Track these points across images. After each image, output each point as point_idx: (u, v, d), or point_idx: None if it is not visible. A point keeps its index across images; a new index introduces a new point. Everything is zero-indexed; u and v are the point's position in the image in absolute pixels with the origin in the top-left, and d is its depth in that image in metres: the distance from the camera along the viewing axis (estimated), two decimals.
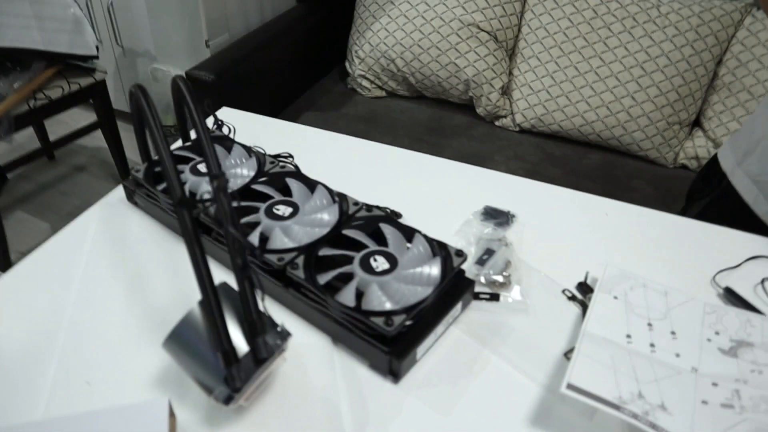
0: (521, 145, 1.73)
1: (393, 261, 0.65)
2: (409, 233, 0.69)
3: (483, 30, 1.72)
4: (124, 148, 2.03)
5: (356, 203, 0.74)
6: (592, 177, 1.62)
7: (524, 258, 0.75)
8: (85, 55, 1.80)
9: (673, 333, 0.63)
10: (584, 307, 0.68)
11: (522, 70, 1.73)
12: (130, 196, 0.83)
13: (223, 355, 0.51)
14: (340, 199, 0.74)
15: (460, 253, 0.66)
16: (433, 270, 0.64)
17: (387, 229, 0.69)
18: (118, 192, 0.86)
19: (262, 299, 0.54)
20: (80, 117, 2.15)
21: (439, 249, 0.67)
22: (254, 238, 0.69)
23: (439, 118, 1.83)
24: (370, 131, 1.78)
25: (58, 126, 2.35)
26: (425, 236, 0.68)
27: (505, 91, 1.77)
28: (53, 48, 1.71)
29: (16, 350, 0.65)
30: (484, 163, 1.64)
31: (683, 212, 0.96)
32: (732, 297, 0.70)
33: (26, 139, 2.36)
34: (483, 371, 0.62)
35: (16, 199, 2.18)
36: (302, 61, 1.94)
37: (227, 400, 0.52)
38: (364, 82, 1.90)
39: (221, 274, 0.68)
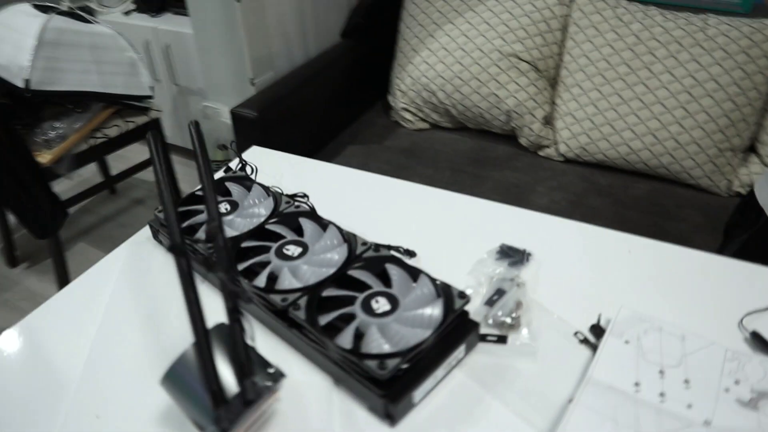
0: (565, 175, 1.70)
1: (394, 302, 0.65)
2: (414, 274, 0.69)
3: (523, 60, 1.70)
4: (177, 182, 2.12)
5: (365, 243, 0.74)
6: (638, 207, 1.57)
7: (537, 298, 0.73)
8: (140, 95, 1.90)
9: (686, 381, 0.60)
10: (595, 350, 0.66)
11: (564, 99, 1.70)
12: (155, 235, 0.87)
13: (211, 396, 0.53)
14: (348, 239, 0.75)
15: (462, 295, 0.65)
16: (434, 312, 0.64)
17: (392, 270, 0.69)
18: (146, 230, 0.90)
19: (252, 340, 0.54)
20: (141, 152, 2.26)
21: (442, 290, 0.66)
22: (263, 278, 0.70)
23: (482, 149, 1.82)
24: (411, 163, 1.79)
25: (120, 161, 2.48)
26: (430, 277, 0.68)
27: (548, 121, 1.75)
28: (110, 90, 1.82)
29: (38, 379, 0.69)
30: (526, 195, 1.63)
31: (721, 249, 0.92)
32: (759, 342, 0.66)
33: (91, 174, 2.49)
34: (483, 417, 0.61)
35: (80, 230, 2.30)
36: (346, 96, 1.98)
37: None
38: (407, 115, 1.92)
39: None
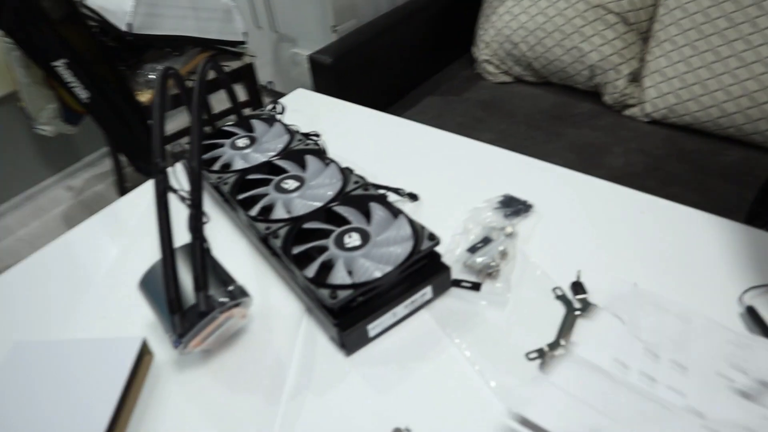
0: (648, 137, 1.59)
1: (366, 238, 0.66)
2: (396, 213, 0.70)
3: (611, 11, 1.60)
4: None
5: (356, 181, 0.76)
6: (726, 176, 1.44)
7: (527, 251, 0.72)
8: (233, 40, 1.99)
9: (682, 367, 0.56)
10: (569, 307, 0.64)
11: (655, 54, 1.58)
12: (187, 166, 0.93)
13: (168, 304, 0.58)
14: (344, 176, 0.77)
15: (432, 237, 0.65)
16: (401, 251, 0.64)
17: (375, 208, 0.71)
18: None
19: (211, 258, 0.59)
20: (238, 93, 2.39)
21: (416, 232, 0.67)
22: (257, 208, 0.74)
23: (563, 105, 1.75)
24: (486, 117, 1.75)
25: (219, 103, 2.62)
26: (408, 218, 0.68)
27: (635, 78, 1.63)
28: (206, 35, 1.92)
29: (69, 284, 0.78)
30: (601, 155, 1.55)
31: None
32: (754, 319, 0.61)
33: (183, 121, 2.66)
34: (436, 359, 0.61)
35: None
36: (429, 47, 1.95)
37: (175, 344, 0.58)
38: (489, 67, 1.87)
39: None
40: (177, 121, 2.73)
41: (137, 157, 1.97)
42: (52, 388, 0.61)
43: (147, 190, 0.94)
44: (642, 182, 1.48)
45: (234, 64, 2.03)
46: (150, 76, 1.88)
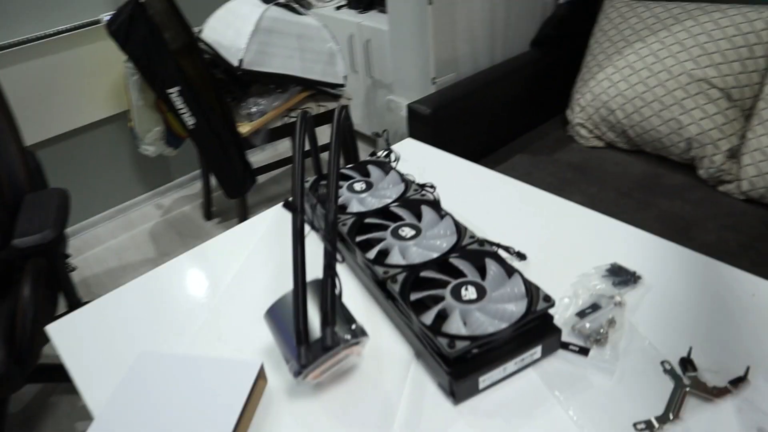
0: (743, 215, 1.56)
1: (482, 293, 0.69)
2: (510, 272, 0.72)
3: (715, 86, 1.59)
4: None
5: (473, 236, 0.78)
6: None
7: (635, 321, 0.72)
8: (333, 83, 2.08)
9: None
10: (678, 382, 0.64)
11: (757, 133, 1.56)
12: None
13: (296, 334, 0.61)
14: (459, 230, 0.80)
15: (547, 299, 0.67)
16: (517, 309, 0.67)
17: (490, 264, 0.73)
18: None
19: (340, 296, 0.62)
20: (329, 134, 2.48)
21: (530, 291, 0.69)
22: (374, 251, 0.78)
23: (655, 176, 1.74)
24: (577, 179, 1.76)
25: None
26: (523, 277, 0.70)
27: (733, 154, 1.62)
28: (309, 75, 2.02)
29: (185, 296, 0.83)
30: (693, 230, 1.53)
31: None
32: None
33: (285, 149, 2.78)
34: (542, 419, 0.62)
35: (265, 197, 2.58)
36: (524, 105, 1.99)
37: (296, 374, 0.62)
38: (582, 131, 1.89)
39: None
40: (271, 150, 2.85)
41: (230, 183, 2.07)
42: (175, 400, 0.65)
43: (264, 218, 0.99)
44: (734, 261, 1.45)
45: (330, 105, 2.12)
46: (253, 110, 1.99)
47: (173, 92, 1.86)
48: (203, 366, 0.69)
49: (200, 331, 0.78)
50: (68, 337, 0.80)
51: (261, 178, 2.68)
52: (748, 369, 0.64)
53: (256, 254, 0.92)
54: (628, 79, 1.72)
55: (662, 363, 0.67)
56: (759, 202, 1.58)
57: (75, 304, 1.91)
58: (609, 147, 1.88)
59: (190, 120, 1.92)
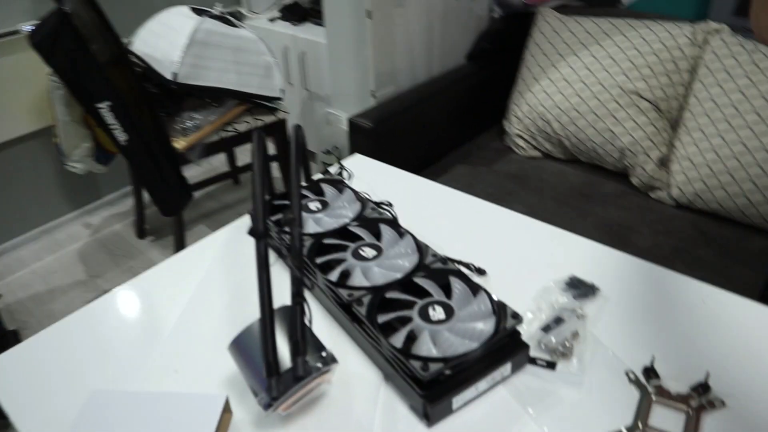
0: (674, 220, 1.63)
1: (450, 312, 0.68)
2: (475, 290, 0.72)
3: (644, 98, 1.67)
4: None
5: (435, 255, 0.78)
6: (750, 264, 1.48)
7: (596, 332, 0.74)
8: (270, 96, 2.05)
9: None
10: (644, 392, 0.66)
11: (684, 142, 1.64)
12: None
13: (266, 366, 0.59)
14: (421, 249, 0.79)
15: (515, 316, 0.67)
16: (486, 327, 0.66)
17: (455, 283, 0.73)
18: (246, 218, 0.99)
19: (310, 323, 0.60)
20: (267, 148, 2.45)
21: (497, 309, 0.69)
22: (336, 273, 0.76)
23: (591, 184, 1.80)
24: (516, 190, 1.79)
25: (246, 154, 2.68)
26: (489, 295, 0.71)
27: (664, 163, 1.69)
28: (245, 89, 1.98)
29: (137, 329, 0.79)
30: (629, 235, 1.59)
31: None
32: None
33: (219, 164, 2.71)
34: None
35: (201, 213, 2.51)
36: (462, 117, 2.02)
37: (266, 407, 0.59)
38: (520, 142, 1.93)
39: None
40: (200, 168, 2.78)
41: (166, 200, 2.00)
42: None
43: (211, 242, 0.96)
44: (670, 264, 1.51)
45: (268, 119, 2.08)
46: (188, 124, 1.93)
47: (103, 107, 1.78)
48: (163, 402, 0.66)
49: (154, 365, 0.74)
50: (4, 378, 0.74)
51: (197, 194, 2.60)
52: (707, 374, 0.67)
53: (209, 280, 0.88)
54: (563, 91, 1.77)
55: (627, 373, 0.68)
56: (688, 208, 1.66)
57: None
58: (546, 157, 1.93)
59: (121, 136, 1.84)
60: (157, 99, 1.97)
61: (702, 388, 0.65)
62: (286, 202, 0.92)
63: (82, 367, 0.75)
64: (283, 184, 2.28)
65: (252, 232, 0.63)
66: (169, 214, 2.05)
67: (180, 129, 1.95)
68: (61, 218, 2.49)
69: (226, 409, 0.66)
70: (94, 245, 2.42)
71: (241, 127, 2.02)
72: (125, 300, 0.86)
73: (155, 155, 1.89)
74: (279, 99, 2.07)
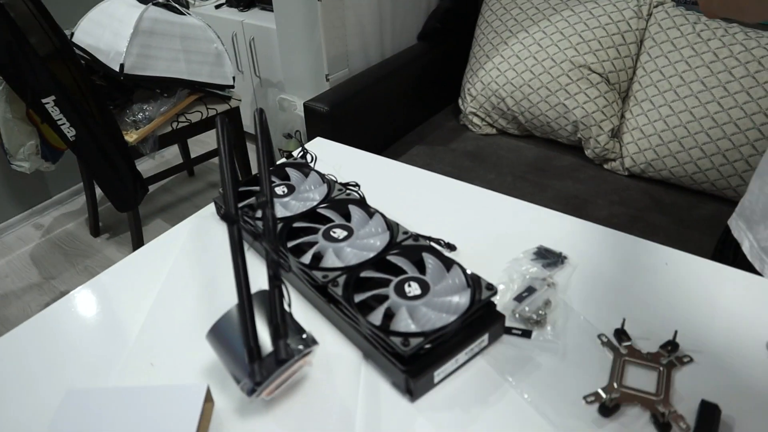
0: (628, 189, 1.68)
1: (426, 288, 0.69)
2: (448, 264, 0.73)
3: (594, 72, 1.70)
4: (251, 168, 2.23)
5: (406, 232, 0.79)
6: (702, 228, 1.54)
7: (567, 300, 0.76)
8: (222, 84, 2.01)
9: None
10: (616, 353, 0.68)
11: (634, 113, 1.69)
12: (218, 211, 0.94)
13: (247, 351, 0.58)
14: (391, 227, 0.79)
15: (490, 287, 0.68)
16: (462, 300, 0.67)
17: (428, 259, 0.74)
18: (211, 207, 0.97)
19: (289, 306, 0.60)
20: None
21: (472, 281, 0.70)
22: (309, 256, 0.76)
23: (546, 158, 1.83)
24: (474, 167, 1.82)
25: (200, 146, 2.63)
26: (462, 268, 0.72)
27: (615, 134, 1.74)
28: (196, 78, 1.94)
29: (103, 331, 0.77)
30: (586, 207, 1.63)
31: None
32: None
33: (172, 156, 2.65)
34: (498, 402, 0.64)
35: (157, 207, 2.46)
36: (417, 97, 2.03)
37: (250, 392, 0.59)
38: (475, 119, 1.95)
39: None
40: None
41: (120, 195, 1.95)
42: None
43: (173, 237, 0.94)
44: (627, 232, 1.56)
45: (220, 107, 2.05)
46: (139, 116, 1.88)
47: (48, 102, 1.72)
48: (142, 397, 0.64)
49: (128, 361, 0.73)
50: None
51: (151, 188, 2.54)
52: (675, 333, 0.69)
53: (177, 272, 0.86)
54: (515, 68, 1.80)
55: (599, 336, 0.70)
56: (641, 177, 1.71)
57: None
58: (501, 133, 1.96)
59: (69, 131, 1.78)
60: (105, 91, 1.91)
61: (671, 346, 0.68)
62: (252, 188, 0.91)
63: (48, 372, 0.73)
64: (241, 174, 2.24)
65: (225, 217, 0.62)
66: (125, 210, 2.00)
67: (131, 121, 1.90)
68: (9, 220, 2.41)
69: (208, 399, 0.65)
70: (46, 246, 2.34)
71: (194, 117, 1.98)
72: (89, 299, 0.84)
73: (106, 150, 1.84)
74: (231, 87, 2.04)
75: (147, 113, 1.90)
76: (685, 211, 1.59)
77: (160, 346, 0.74)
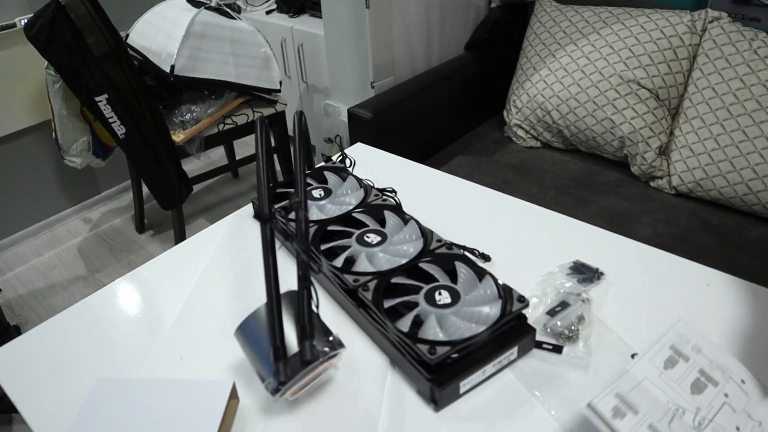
0: (675, 208, 1.63)
1: (456, 297, 0.68)
2: (481, 274, 0.72)
3: (644, 87, 1.66)
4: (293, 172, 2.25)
5: (440, 240, 0.78)
6: (751, 252, 1.48)
7: (601, 316, 0.74)
8: (269, 88, 2.04)
9: (737, 429, 0.59)
10: None
11: (684, 130, 1.64)
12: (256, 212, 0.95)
13: (273, 350, 0.59)
14: (425, 234, 0.79)
15: (521, 299, 0.67)
16: (492, 311, 0.66)
17: (461, 268, 0.73)
18: (249, 207, 0.99)
19: (317, 308, 0.60)
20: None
21: (503, 293, 0.69)
22: (341, 259, 0.76)
23: (591, 173, 1.80)
24: (517, 180, 1.79)
25: (245, 147, 2.67)
26: (494, 279, 0.71)
27: (663, 152, 1.69)
28: (243, 81, 1.97)
29: (141, 319, 0.79)
30: (630, 224, 1.59)
31: None
32: None
33: (218, 157, 2.70)
34: (524, 417, 0.63)
35: (201, 207, 2.50)
36: (462, 107, 2.02)
37: (274, 391, 0.59)
38: (520, 132, 1.93)
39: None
40: (199, 162, 2.77)
41: (165, 193, 1.99)
42: (141, 428, 0.61)
43: (211, 234, 0.95)
44: (671, 252, 1.52)
45: (266, 111, 2.08)
46: (186, 117, 1.92)
47: (101, 100, 1.77)
48: (169, 389, 0.65)
49: (159, 354, 0.74)
50: (10, 368, 0.74)
51: (196, 188, 2.60)
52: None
53: (212, 269, 0.88)
54: (562, 81, 1.77)
55: (632, 356, 0.68)
56: (688, 196, 1.66)
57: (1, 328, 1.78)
58: (546, 147, 1.93)
59: (120, 129, 1.83)
60: (155, 92, 1.96)
61: None
62: (290, 189, 0.92)
63: (85, 357, 0.75)
64: (283, 176, 2.27)
65: (258, 215, 0.62)
66: (169, 208, 2.04)
67: (178, 122, 1.94)
68: (60, 213, 2.49)
69: (233, 396, 0.66)
70: (93, 240, 2.41)
71: (240, 119, 2.02)
72: (126, 291, 0.86)
73: (154, 148, 1.89)
74: (278, 91, 2.07)
75: (194, 114, 1.94)
76: (734, 233, 1.53)
77: (191, 341, 0.75)
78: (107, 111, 1.80)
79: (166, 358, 0.74)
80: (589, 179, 1.77)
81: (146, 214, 2.43)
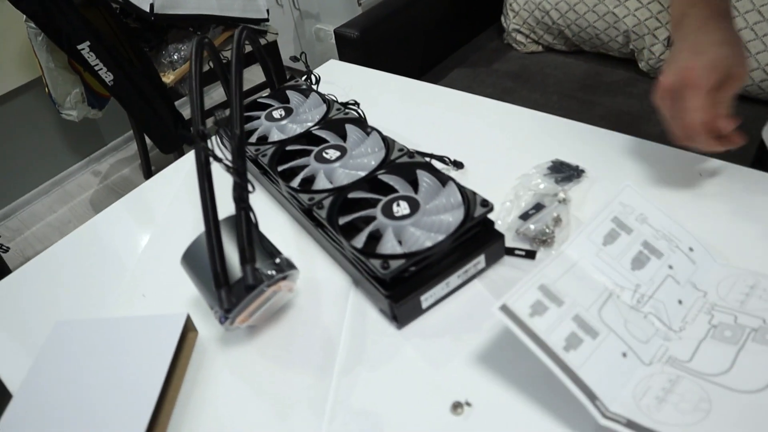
0: None
1: (415, 207, 0.64)
2: (444, 181, 0.67)
3: None
4: None
5: (401, 149, 0.73)
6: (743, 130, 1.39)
7: (582, 216, 0.68)
8: (256, 18, 1.96)
9: (680, 302, 0.54)
10: None
11: None
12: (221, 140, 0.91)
13: (214, 277, 0.55)
14: (386, 144, 0.74)
15: (485, 203, 0.62)
16: (453, 218, 0.62)
17: (422, 176, 0.68)
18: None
19: (256, 229, 0.56)
20: (259, 73, 2.37)
21: (468, 199, 0.64)
22: (298, 179, 0.72)
23: (596, 74, 1.69)
24: (518, 88, 1.70)
25: (245, 83, 2.60)
26: (458, 185, 0.65)
27: (672, 43, 1.57)
28: (228, 13, 1.89)
29: (106, 262, 0.77)
30: (639, 124, 1.50)
31: None
32: None
33: (219, 96, 2.65)
34: (492, 330, 0.58)
35: None
36: (456, 18, 1.90)
37: (222, 320, 0.56)
38: (519, 37, 1.82)
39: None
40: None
41: (163, 138, 1.96)
42: (98, 367, 0.60)
43: (177, 169, 0.92)
44: (681, 149, 1.44)
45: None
46: (174, 57, 1.86)
47: (83, 48, 1.73)
48: (125, 327, 0.63)
49: (123, 292, 0.72)
50: None
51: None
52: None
53: (179, 201, 0.84)
54: None
55: None
56: None
57: None
58: (547, 50, 1.82)
59: (107, 76, 1.79)
60: (139, 34, 1.90)
61: None
62: (252, 113, 0.87)
63: (55, 301, 0.73)
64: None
65: (183, 137, 0.58)
66: (169, 151, 2.02)
67: (167, 63, 1.89)
68: (69, 169, 2.49)
69: (190, 328, 0.64)
70: (105, 192, 2.42)
71: (230, 54, 1.95)
72: (91, 236, 0.83)
73: (145, 92, 1.84)
74: (266, 20, 1.99)
75: (182, 53, 1.88)
76: (750, 126, 1.43)
77: (153, 276, 0.73)
78: (92, 59, 1.75)
79: (129, 295, 0.71)
80: (595, 81, 1.67)
81: (152, 161, 2.42)
